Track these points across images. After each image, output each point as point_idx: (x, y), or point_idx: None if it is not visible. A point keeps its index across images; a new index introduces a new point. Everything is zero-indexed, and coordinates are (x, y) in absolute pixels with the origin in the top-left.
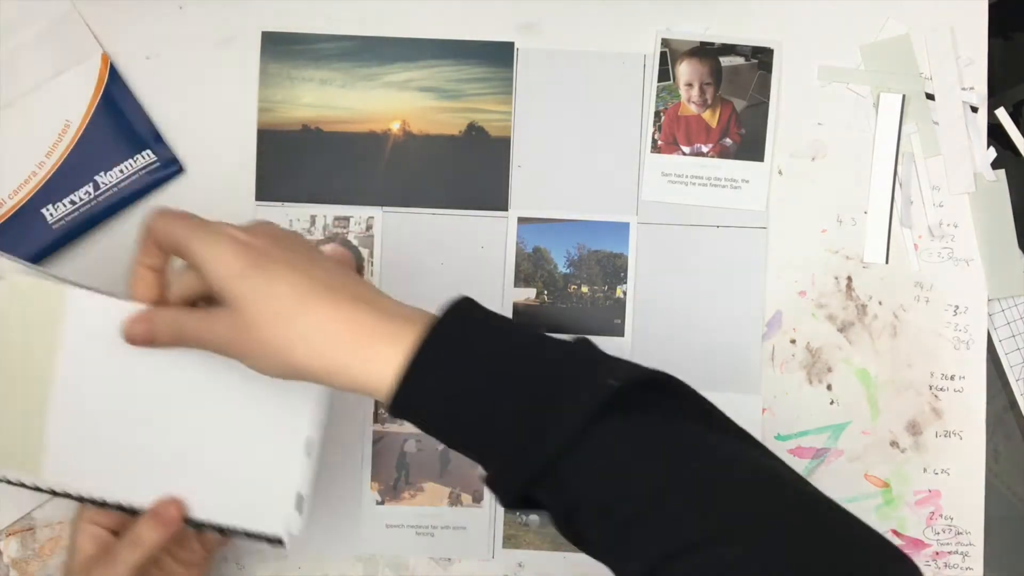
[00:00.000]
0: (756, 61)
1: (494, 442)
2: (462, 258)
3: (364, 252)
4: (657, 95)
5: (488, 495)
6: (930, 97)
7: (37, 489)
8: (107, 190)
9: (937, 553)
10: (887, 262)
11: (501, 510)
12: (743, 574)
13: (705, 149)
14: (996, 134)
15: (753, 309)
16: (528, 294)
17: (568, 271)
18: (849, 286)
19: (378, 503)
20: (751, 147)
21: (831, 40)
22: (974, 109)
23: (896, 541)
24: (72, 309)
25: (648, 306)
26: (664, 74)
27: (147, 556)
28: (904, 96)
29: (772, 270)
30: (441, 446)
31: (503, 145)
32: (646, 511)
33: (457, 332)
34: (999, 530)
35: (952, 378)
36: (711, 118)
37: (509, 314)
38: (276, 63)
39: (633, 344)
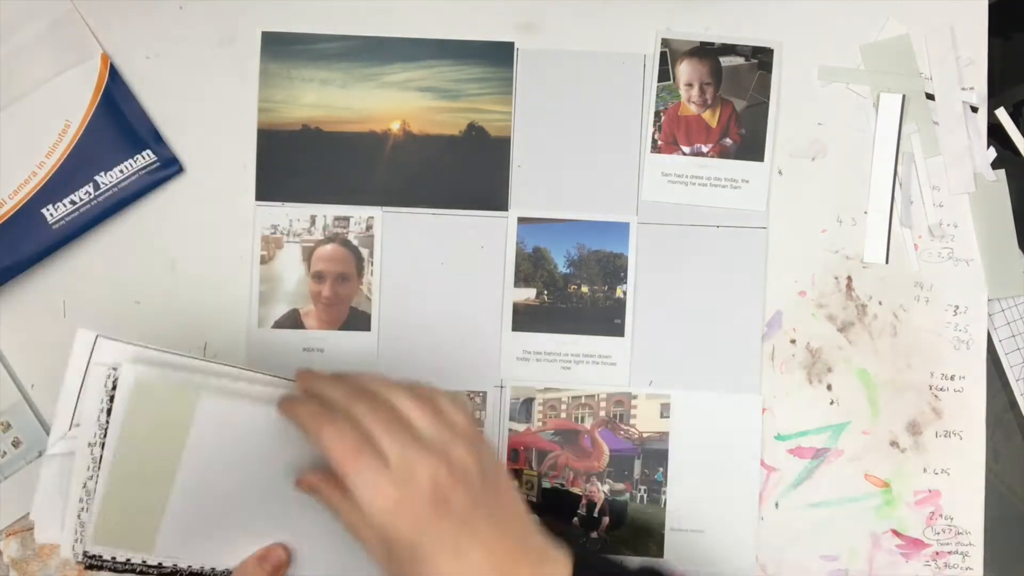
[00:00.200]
0: (756, 61)
1: None
2: (462, 258)
3: (364, 252)
4: (657, 95)
5: None
6: (930, 97)
7: (143, 566)
8: (107, 190)
9: (937, 553)
10: (887, 262)
11: None
12: None
13: (705, 149)
14: (996, 134)
15: (753, 309)
16: (528, 294)
17: (568, 271)
18: (849, 286)
19: None
20: (751, 147)
21: (831, 40)
22: (974, 109)
23: (896, 541)
24: (201, 414)
25: (648, 306)
26: (664, 74)
27: None
28: (904, 96)
29: (772, 270)
30: None
31: (503, 145)
32: None
33: None
34: (999, 530)
35: (952, 378)
36: (711, 118)
37: (509, 314)
38: (276, 63)
39: (633, 344)
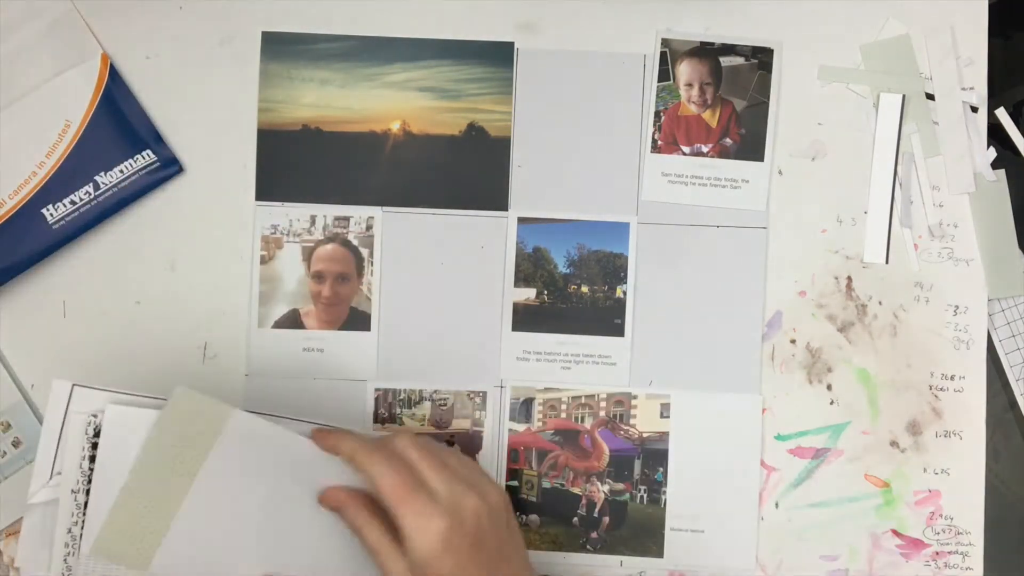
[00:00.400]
0: (756, 61)
1: None
2: (462, 258)
3: (364, 252)
4: (657, 95)
5: None
6: (930, 97)
7: None
8: (107, 190)
9: (937, 553)
10: (887, 262)
11: None
12: None
13: (705, 149)
14: (996, 134)
15: (753, 309)
16: (528, 294)
17: (568, 271)
18: (849, 286)
19: None
20: (751, 147)
21: (831, 40)
22: (974, 109)
23: (896, 541)
24: (232, 426)
25: (648, 306)
26: (664, 74)
27: None
28: (904, 96)
29: (772, 270)
30: None
31: (503, 145)
32: None
33: None
34: (999, 530)
35: (952, 378)
36: (711, 118)
37: (509, 314)
38: (276, 63)
39: (633, 344)
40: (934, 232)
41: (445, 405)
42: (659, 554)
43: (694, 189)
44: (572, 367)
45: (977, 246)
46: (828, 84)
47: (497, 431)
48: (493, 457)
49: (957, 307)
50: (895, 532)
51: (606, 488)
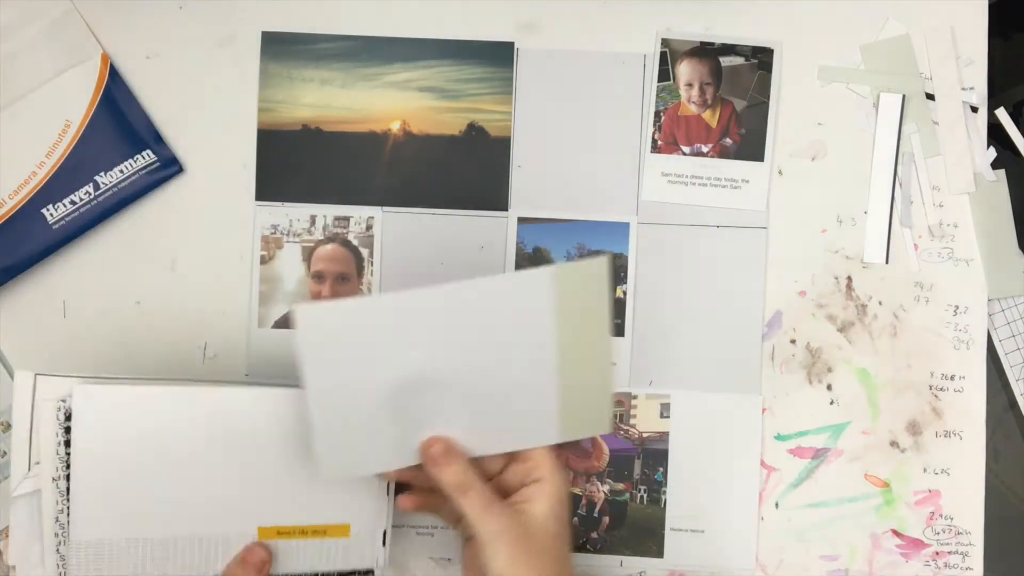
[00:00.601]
0: (756, 61)
1: None
2: (462, 258)
3: (364, 252)
4: (657, 95)
5: None
6: (930, 97)
7: None
8: (107, 190)
9: (937, 553)
10: (887, 262)
11: None
12: None
13: (705, 149)
14: (996, 134)
15: (753, 309)
16: None
17: None
18: (849, 286)
19: None
20: (751, 147)
21: (831, 40)
22: (974, 109)
23: (896, 541)
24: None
25: (648, 306)
26: (664, 74)
27: None
28: (904, 96)
29: (772, 270)
30: None
31: (503, 145)
32: None
33: None
34: (999, 530)
35: (952, 378)
36: (711, 118)
37: None
38: (276, 63)
39: (633, 344)
40: (934, 232)
41: None
42: (659, 554)
43: (694, 189)
44: None
45: (977, 246)
46: (828, 84)
47: None
48: None
49: (957, 307)
50: (895, 532)
51: (606, 488)
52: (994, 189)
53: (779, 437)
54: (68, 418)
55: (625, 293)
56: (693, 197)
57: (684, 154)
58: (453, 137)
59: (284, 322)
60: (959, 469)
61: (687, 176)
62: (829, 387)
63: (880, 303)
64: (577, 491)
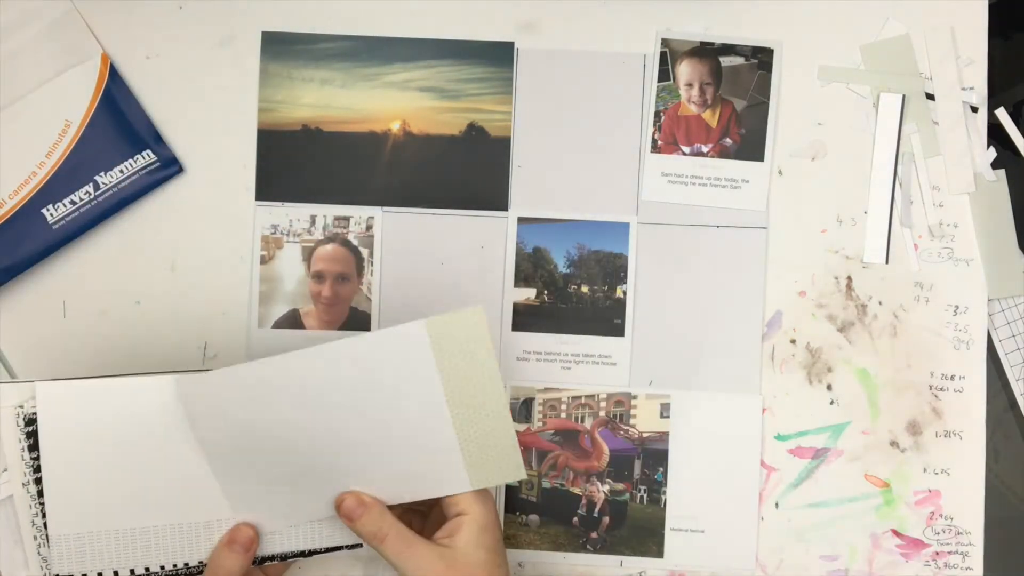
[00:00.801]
0: (756, 61)
1: None
2: (462, 258)
3: (364, 252)
4: (657, 95)
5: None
6: (930, 97)
7: None
8: (107, 190)
9: (937, 553)
10: (887, 262)
11: (501, 510)
12: None
13: (705, 149)
14: (996, 134)
15: (753, 309)
16: (528, 294)
17: (568, 271)
18: (849, 286)
19: None
20: (751, 147)
21: (831, 40)
22: (974, 109)
23: (896, 541)
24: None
25: (648, 306)
26: (664, 74)
27: None
28: (904, 96)
29: (772, 270)
30: None
31: (503, 145)
32: None
33: None
34: (999, 530)
35: (952, 378)
36: (711, 118)
37: (509, 314)
38: (276, 63)
39: (633, 344)
40: (934, 232)
41: None
42: (659, 554)
43: (694, 189)
44: (572, 367)
45: (977, 246)
46: (828, 84)
47: None
48: None
49: (957, 307)
50: (895, 532)
51: (606, 488)
52: (994, 189)
53: (779, 437)
54: (29, 423)
55: (625, 293)
56: (693, 197)
57: (684, 154)
58: (453, 137)
59: (284, 322)
60: (959, 469)
61: (687, 176)
62: (829, 387)
63: (880, 303)
64: (577, 491)
